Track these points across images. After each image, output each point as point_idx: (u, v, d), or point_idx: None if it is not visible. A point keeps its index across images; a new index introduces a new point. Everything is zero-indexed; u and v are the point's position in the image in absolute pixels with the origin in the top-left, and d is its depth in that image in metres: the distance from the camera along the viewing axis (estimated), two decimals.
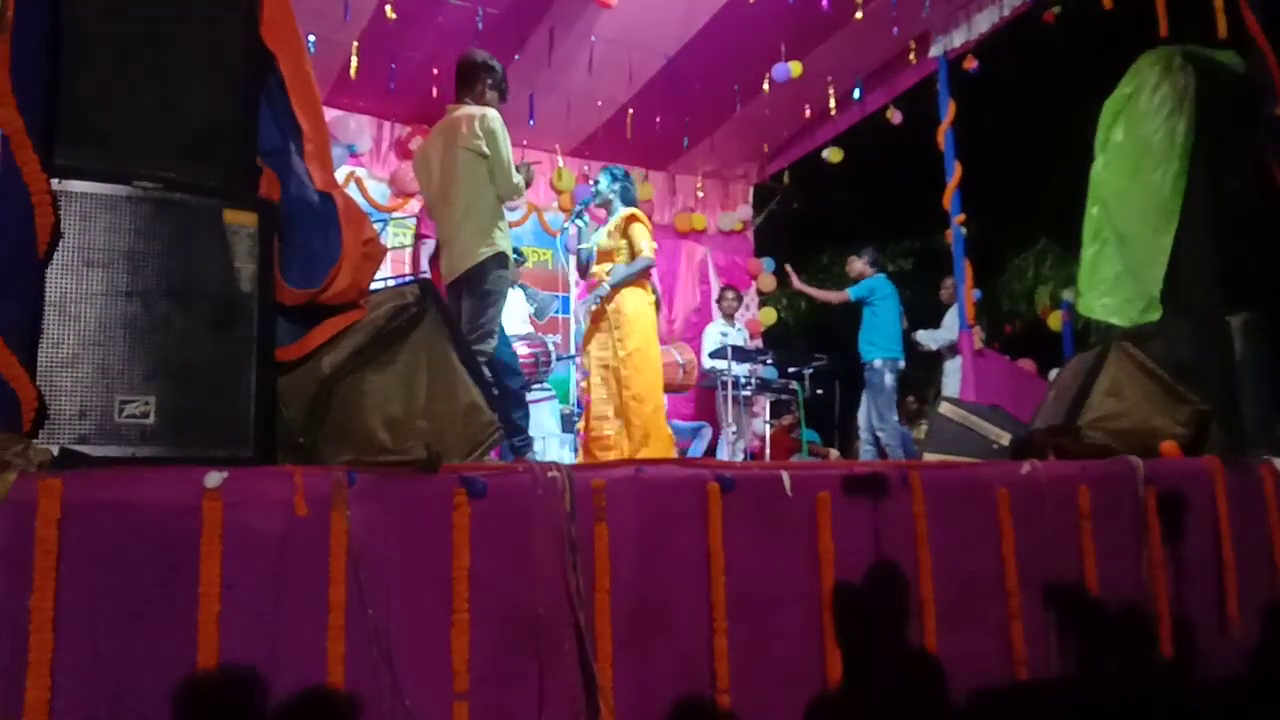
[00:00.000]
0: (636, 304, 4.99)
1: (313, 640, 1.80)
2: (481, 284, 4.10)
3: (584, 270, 5.27)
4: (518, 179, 4.25)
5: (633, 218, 5.08)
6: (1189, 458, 3.19)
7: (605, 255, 5.09)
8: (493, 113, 4.21)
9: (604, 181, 5.26)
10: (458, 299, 4.19)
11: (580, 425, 5.22)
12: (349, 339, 2.25)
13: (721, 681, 2.17)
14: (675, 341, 7.36)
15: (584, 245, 5.26)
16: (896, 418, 6.80)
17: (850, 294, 7.09)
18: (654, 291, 5.20)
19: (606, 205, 5.25)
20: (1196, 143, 3.73)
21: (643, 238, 5.01)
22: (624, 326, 4.93)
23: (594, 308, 5.01)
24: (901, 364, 6.79)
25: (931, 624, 2.47)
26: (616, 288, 4.95)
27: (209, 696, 1.69)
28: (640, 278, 5.02)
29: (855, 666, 2.32)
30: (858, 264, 7.18)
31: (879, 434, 6.69)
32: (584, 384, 5.11)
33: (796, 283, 7.86)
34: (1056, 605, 2.67)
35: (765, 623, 2.27)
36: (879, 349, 6.73)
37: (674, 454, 5.34)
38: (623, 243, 5.03)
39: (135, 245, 1.92)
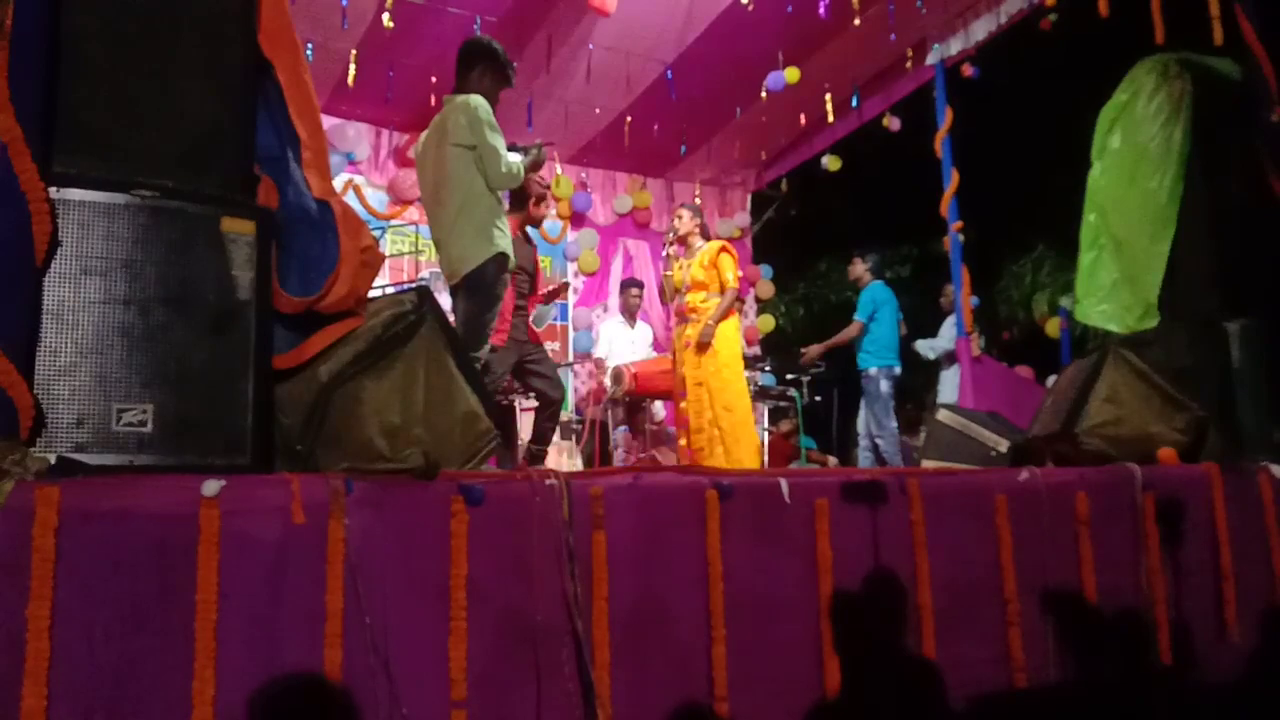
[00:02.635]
0: (726, 325, 5.53)
1: (310, 648, 1.80)
2: (484, 288, 3.89)
3: (665, 297, 5.86)
4: (510, 166, 3.90)
5: (723, 249, 5.62)
6: (1187, 464, 3.19)
7: (699, 285, 5.58)
8: (475, 98, 3.90)
9: (685, 217, 5.77)
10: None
11: (682, 442, 5.72)
12: (347, 347, 2.25)
13: (719, 689, 2.17)
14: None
15: (666, 273, 5.81)
16: (895, 424, 6.78)
17: (859, 318, 6.90)
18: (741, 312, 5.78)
19: (686, 239, 5.74)
20: (1193, 149, 3.75)
21: (729, 269, 5.55)
22: (714, 346, 5.47)
23: (703, 341, 5.50)
24: (897, 371, 6.75)
25: (930, 631, 2.47)
26: (718, 322, 5.46)
27: None
28: (732, 307, 5.58)
29: (853, 674, 2.32)
30: (859, 267, 7.13)
31: (878, 441, 6.68)
32: (683, 405, 5.65)
33: (814, 352, 7.48)
34: (1055, 612, 2.67)
35: (763, 630, 2.27)
36: (875, 357, 6.71)
37: (760, 458, 6.00)
38: (714, 273, 5.55)
39: (133, 253, 1.92)
